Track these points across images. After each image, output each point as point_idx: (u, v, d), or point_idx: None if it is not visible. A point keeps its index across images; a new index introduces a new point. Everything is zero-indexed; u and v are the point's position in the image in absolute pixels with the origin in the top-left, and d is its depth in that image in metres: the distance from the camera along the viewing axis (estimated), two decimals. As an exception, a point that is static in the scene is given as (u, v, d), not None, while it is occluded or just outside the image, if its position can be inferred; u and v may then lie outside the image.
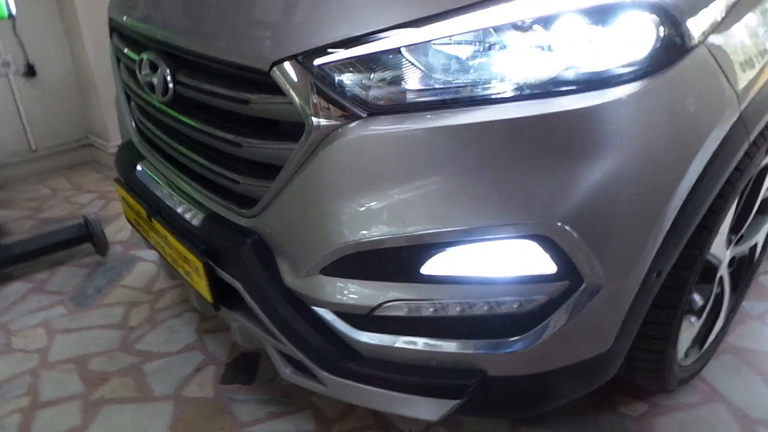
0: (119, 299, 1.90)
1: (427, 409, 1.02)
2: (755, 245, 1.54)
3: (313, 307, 1.04)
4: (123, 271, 2.06)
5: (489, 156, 0.86)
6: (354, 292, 0.99)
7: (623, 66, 0.83)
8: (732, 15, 0.92)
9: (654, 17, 0.82)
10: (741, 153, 1.02)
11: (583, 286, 0.92)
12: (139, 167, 1.46)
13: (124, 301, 1.89)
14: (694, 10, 0.86)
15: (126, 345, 1.68)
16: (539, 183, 0.85)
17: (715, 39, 0.88)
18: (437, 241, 0.91)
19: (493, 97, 0.86)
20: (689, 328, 1.32)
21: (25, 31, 2.63)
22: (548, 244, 0.88)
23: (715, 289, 1.39)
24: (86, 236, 2.12)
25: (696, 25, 0.86)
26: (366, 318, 1.00)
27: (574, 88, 0.84)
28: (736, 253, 1.47)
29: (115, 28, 1.45)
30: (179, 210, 1.27)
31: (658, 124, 0.87)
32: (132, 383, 1.53)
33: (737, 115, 0.96)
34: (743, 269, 1.54)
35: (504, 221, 0.87)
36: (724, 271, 1.41)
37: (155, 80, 1.17)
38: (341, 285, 0.99)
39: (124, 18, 1.33)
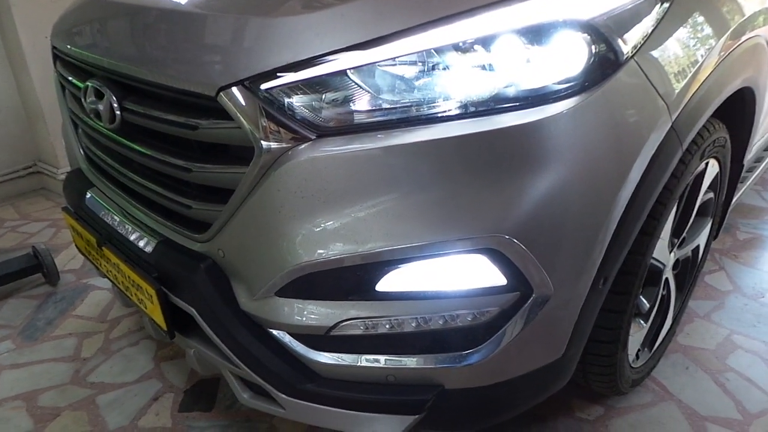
0: (71, 330, 1.83)
1: (387, 426, 1.02)
2: (697, 247, 1.61)
3: (270, 330, 1.04)
4: (75, 301, 1.99)
5: (437, 173, 0.88)
6: (310, 312, 0.99)
7: (560, 82, 0.87)
8: (659, 30, 0.97)
9: (585, 36, 0.87)
10: (675, 161, 1.08)
11: (534, 296, 0.94)
12: (88, 195, 1.43)
13: (77, 331, 1.82)
14: (622, 27, 0.91)
15: (78, 378, 1.62)
16: (486, 198, 0.88)
17: (643, 53, 0.94)
18: (391, 258, 0.92)
19: (439, 115, 0.88)
20: (638, 331, 1.37)
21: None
22: (497, 256, 0.90)
23: (662, 292, 1.45)
24: (36, 267, 2.05)
25: (625, 41, 0.91)
26: (323, 338, 1.00)
27: (514, 105, 0.88)
28: (680, 256, 1.54)
29: (58, 56, 1.42)
30: (131, 237, 1.24)
31: (596, 136, 0.91)
32: (85, 417, 1.48)
33: (669, 125, 1.01)
34: (688, 271, 1.62)
35: (454, 236, 0.89)
36: (669, 274, 1.47)
37: (101, 107, 1.15)
38: (297, 306, 0.99)
39: (68, 46, 1.30)
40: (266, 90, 0.89)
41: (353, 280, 0.95)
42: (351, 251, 0.92)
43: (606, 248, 0.99)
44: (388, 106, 0.89)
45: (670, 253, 1.39)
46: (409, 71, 0.89)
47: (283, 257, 0.96)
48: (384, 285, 0.95)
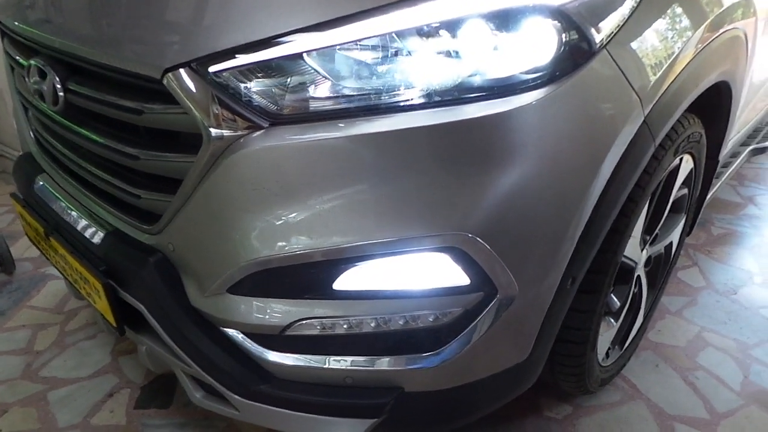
0: (25, 321, 1.75)
1: (345, 429, 0.98)
2: (670, 244, 1.59)
3: (222, 329, 0.98)
4: (31, 291, 1.91)
5: (396, 166, 0.83)
6: (264, 311, 0.93)
7: (528, 72, 0.82)
8: (634, 18, 0.93)
9: (556, 23, 0.82)
10: (648, 157, 1.04)
11: (498, 296, 0.90)
12: (38, 181, 1.35)
13: (31, 323, 1.74)
14: (595, 15, 0.86)
15: (30, 372, 1.54)
16: (448, 193, 0.83)
17: (616, 44, 0.89)
18: (348, 255, 0.87)
19: (400, 104, 0.83)
20: (608, 330, 1.34)
21: None
22: (460, 255, 0.86)
23: (633, 289, 1.42)
24: (-16, 256, 1.95)
25: (597, 30, 0.86)
26: (278, 338, 0.95)
27: (480, 95, 0.83)
28: (652, 253, 1.51)
29: (5, 33, 1.33)
30: (80, 227, 1.17)
31: (565, 130, 0.87)
32: (35, 413, 1.41)
33: (642, 119, 0.97)
34: (660, 268, 1.59)
35: (414, 233, 0.84)
36: (641, 271, 1.45)
37: (44, 88, 1.07)
38: (250, 304, 0.94)
39: (14, 22, 1.21)
40: (215, 73, 0.82)
41: (309, 277, 0.90)
42: (306, 247, 0.86)
43: (574, 247, 0.95)
44: (347, 93, 0.84)
45: (642, 250, 1.36)
46: (370, 56, 0.83)
47: (235, 252, 0.90)
48: (342, 283, 0.90)
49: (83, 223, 1.17)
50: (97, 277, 1.07)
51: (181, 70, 0.84)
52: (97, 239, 1.12)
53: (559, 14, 0.82)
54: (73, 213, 1.21)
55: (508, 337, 0.97)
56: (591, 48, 0.85)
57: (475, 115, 0.82)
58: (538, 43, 0.82)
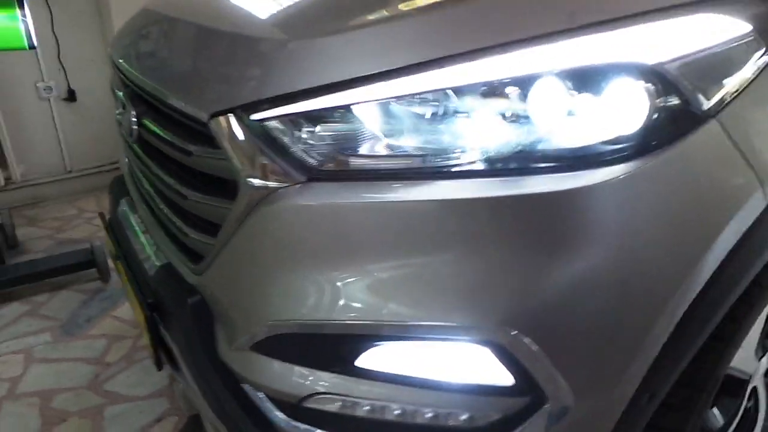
0: (106, 331, 1.85)
1: None
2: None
3: (244, 386, 0.92)
4: (119, 301, 2.02)
5: (438, 243, 0.72)
6: (284, 376, 0.86)
7: (609, 143, 0.69)
8: (759, 83, 0.75)
9: (648, 86, 0.67)
10: (771, 252, 0.83)
11: (547, 405, 0.75)
12: (122, 203, 1.41)
13: (111, 333, 1.84)
14: (703, 77, 0.70)
15: (96, 383, 1.61)
16: (493, 280, 0.70)
17: (731, 114, 0.71)
18: (373, 333, 0.77)
19: (451, 171, 0.73)
20: (705, 453, 1.10)
21: (68, 59, 2.73)
22: (501, 351, 0.72)
23: (745, 404, 1.16)
24: (90, 262, 2.11)
25: (705, 96, 0.70)
26: (296, 407, 0.87)
27: (547, 166, 0.70)
28: (776, 362, 1.23)
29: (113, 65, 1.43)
30: (142, 255, 1.19)
31: (652, 215, 0.71)
32: (88, 427, 1.45)
33: (765, 205, 0.78)
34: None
35: (450, 321, 0.72)
36: (758, 382, 1.18)
37: (123, 119, 1.11)
38: (271, 366, 0.87)
39: (117, 58, 1.30)
40: (256, 121, 0.78)
41: (332, 349, 0.81)
42: (332, 318, 0.78)
43: (656, 356, 0.77)
44: (394, 153, 0.75)
45: (761, 359, 1.10)
46: (422, 113, 0.74)
47: (260, 310, 0.84)
48: (365, 362, 0.80)
49: (147, 252, 1.19)
50: (142, 308, 1.07)
51: (227, 116, 0.81)
52: (151, 271, 1.13)
53: (653, 74, 0.67)
54: (142, 240, 1.24)
55: (559, 454, 0.80)
56: (694, 117, 0.69)
57: (538, 190, 0.69)
58: (623, 109, 0.68)
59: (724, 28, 0.70)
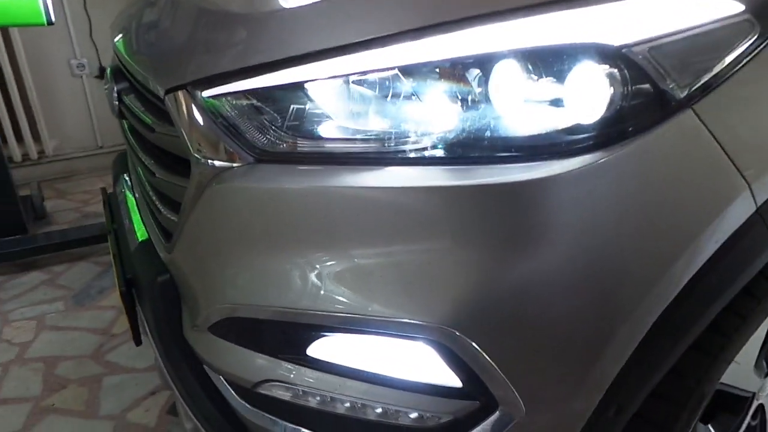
0: (115, 303, 1.89)
1: None
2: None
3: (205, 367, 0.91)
4: (132, 275, 2.06)
5: (384, 231, 0.68)
6: (239, 360, 0.84)
7: (564, 132, 0.62)
8: (747, 71, 0.65)
9: (612, 70, 0.60)
10: (765, 257, 0.74)
11: (498, 412, 0.70)
12: (122, 178, 1.43)
13: (119, 305, 1.87)
14: (677, 61, 0.62)
15: (98, 353, 1.65)
16: (438, 276, 0.66)
17: (711, 103, 0.63)
18: (321, 323, 0.74)
19: (401, 157, 0.68)
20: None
21: (100, 37, 2.79)
22: (446, 352, 0.68)
23: (749, 421, 1.06)
24: (106, 236, 2.16)
25: (678, 83, 0.62)
26: (252, 392, 0.85)
27: (499, 155, 0.64)
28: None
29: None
30: (129, 230, 1.20)
31: (612, 213, 0.64)
32: (85, 395, 1.49)
33: (753, 209, 0.69)
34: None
35: (393, 317, 0.68)
36: (765, 399, 1.08)
37: (107, 95, 1.11)
38: (226, 349, 0.85)
39: (112, 31, 1.30)
40: (207, 98, 0.75)
41: (284, 337, 0.79)
42: (279, 305, 0.75)
43: (622, 368, 0.71)
44: (344, 137, 0.71)
45: (765, 377, 1.01)
46: (378, 93, 0.69)
47: (215, 292, 0.82)
48: (316, 351, 0.77)
49: (135, 228, 1.20)
50: (120, 283, 1.08)
51: (180, 92, 0.78)
52: (133, 245, 1.13)
53: (618, 58, 0.60)
54: (132, 216, 1.24)
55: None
56: (666, 105, 0.62)
57: (488, 181, 0.63)
58: (583, 96, 0.61)
59: (708, 7, 0.61)
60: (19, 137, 2.75)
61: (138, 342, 1.13)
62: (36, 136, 2.80)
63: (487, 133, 0.63)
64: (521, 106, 0.63)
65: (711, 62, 0.62)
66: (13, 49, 2.59)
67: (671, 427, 0.83)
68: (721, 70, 0.62)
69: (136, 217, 1.21)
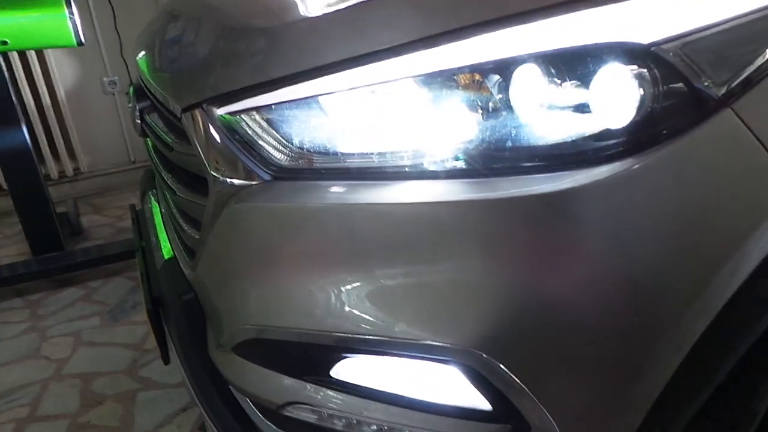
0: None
1: None
2: None
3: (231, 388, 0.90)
4: (165, 289, 2.09)
5: (405, 249, 0.65)
6: (263, 381, 0.82)
7: (592, 139, 0.58)
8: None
9: (641, 71, 0.56)
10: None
11: (531, 434, 0.66)
12: (149, 195, 1.44)
13: (152, 320, 1.90)
14: (712, 59, 0.57)
15: (133, 369, 1.67)
16: (463, 296, 0.62)
17: (752, 101, 0.58)
18: (345, 345, 0.72)
19: (419, 172, 0.65)
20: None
21: (130, 54, 2.86)
22: (474, 375, 0.64)
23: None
24: (138, 250, 2.20)
25: (715, 82, 0.57)
26: (277, 413, 0.83)
27: (523, 166, 0.61)
28: None
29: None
30: (156, 249, 1.21)
31: (647, 224, 0.59)
32: (120, 411, 1.51)
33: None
34: None
35: (419, 338, 0.65)
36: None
37: (130, 113, 1.12)
38: (251, 370, 0.84)
39: (135, 50, 1.32)
40: (222, 115, 0.74)
41: (308, 359, 0.77)
42: (303, 327, 0.73)
43: (664, 387, 0.66)
44: (364, 150, 0.69)
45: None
46: (394, 106, 0.67)
47: (237, 312, 0.81)
48: (341, 373, 0.75)
49: (161, 246, 1.20)
50: (147, 301, 1.08)
51: (197, 111, 0.77)
52: (159, 263, 1.13)
53: (647, 57, 0.56)
54: (159, 233, 1.25)
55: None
56: (702, 106, 0.57)
57: (512, 193, 0.60)
58: (611, 100, 0.57)
59: (744, -3, 0.57)
60: (55, 155, 2.84)
61: (166, 361, 1.13)
62: (71, 154, 2.89)
63: (510, 143, 0.60)
64: (545, 113, 0.59)
65: (751, 55, 0.57)
66: (48, 68, 2.68)
67: (722, 447, 0.78)
68: (763, 63, 0.58)
69: (162, 235, 1.22)
